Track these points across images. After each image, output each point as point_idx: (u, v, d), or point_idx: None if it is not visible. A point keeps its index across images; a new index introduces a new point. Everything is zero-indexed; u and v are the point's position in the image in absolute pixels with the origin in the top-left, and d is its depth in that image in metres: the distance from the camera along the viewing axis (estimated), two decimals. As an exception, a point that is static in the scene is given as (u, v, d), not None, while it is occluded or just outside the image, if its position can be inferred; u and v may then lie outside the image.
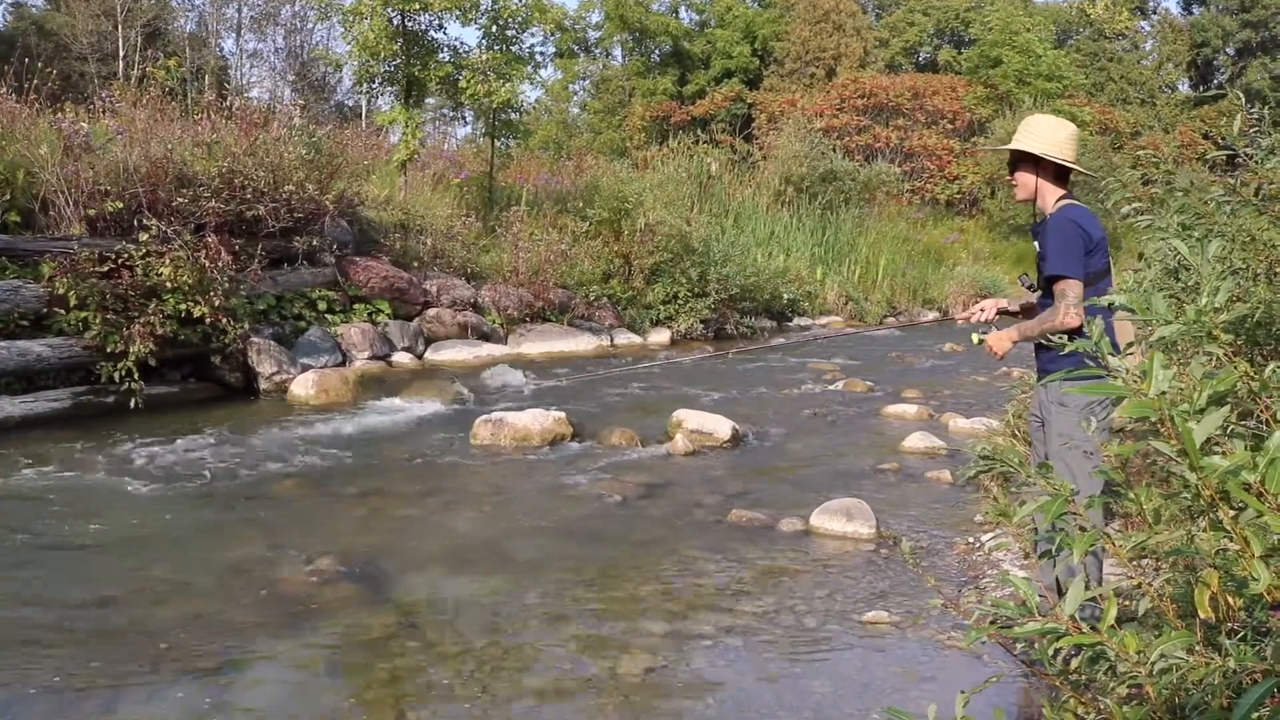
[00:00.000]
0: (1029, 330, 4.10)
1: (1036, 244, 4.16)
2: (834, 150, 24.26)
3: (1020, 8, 35.67)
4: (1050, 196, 4.12)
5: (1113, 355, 1.86)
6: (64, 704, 3.54)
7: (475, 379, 10.30)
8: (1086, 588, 1.86)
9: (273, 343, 9.80)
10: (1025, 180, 4.17)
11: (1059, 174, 4.11)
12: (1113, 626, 1.77)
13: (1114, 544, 2.04)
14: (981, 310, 4.58)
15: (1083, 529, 2.06)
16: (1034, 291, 4.31)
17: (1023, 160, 4.15)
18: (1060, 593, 2.35)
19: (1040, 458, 4.12)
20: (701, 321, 15.16)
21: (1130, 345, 3.31)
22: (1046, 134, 4.11)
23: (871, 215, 23.39)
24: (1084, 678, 2.01)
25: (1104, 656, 1.83)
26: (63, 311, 8.26)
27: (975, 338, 4.42)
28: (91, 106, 11.49)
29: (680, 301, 15.16)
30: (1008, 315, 4.58)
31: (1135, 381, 1.78)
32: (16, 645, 4.00)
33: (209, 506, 6.06)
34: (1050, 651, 1.93)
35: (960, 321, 4.75)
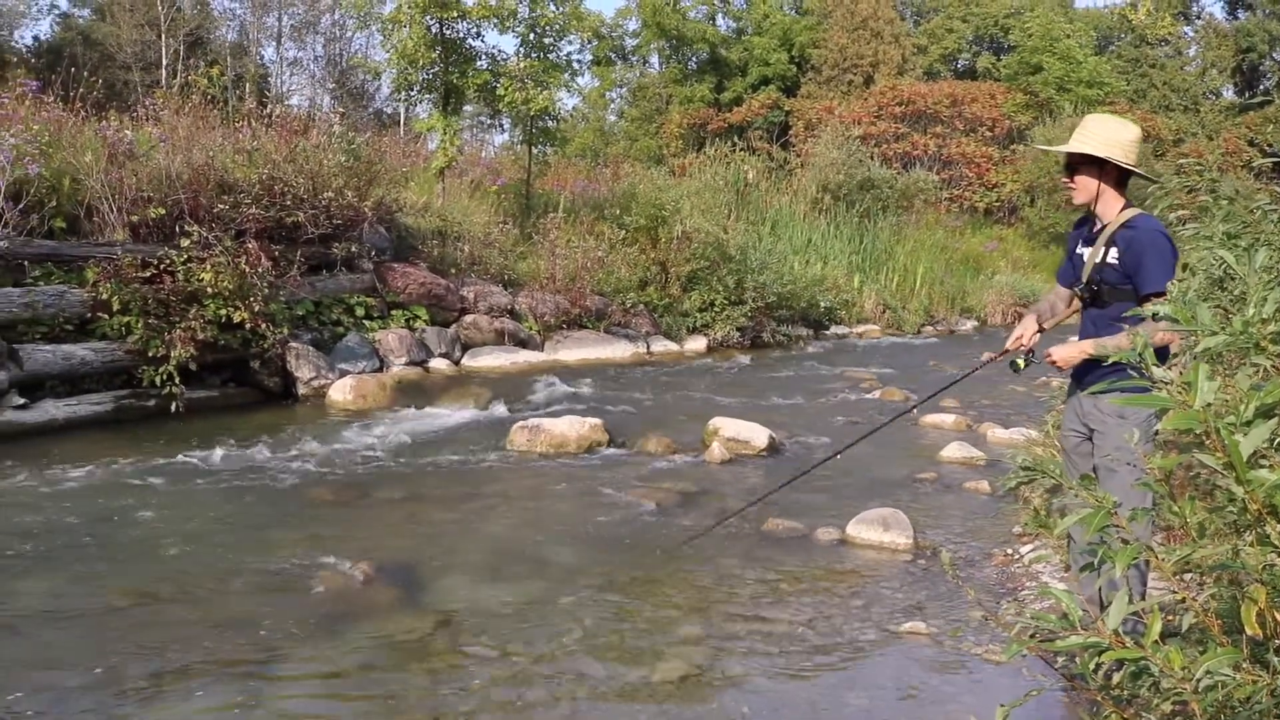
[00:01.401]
0: (1111, 345, 3.77)
1: (1087, 251, 4.01)
2: (871, 158, 24.14)
3: (1061, 14, 35.41)
4: (1113, 203, 3.94)
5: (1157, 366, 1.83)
6: (105, 701, 3.57)
7: (512, 385, 10.32)
8: (1130, 601, 1.83)
9: (311, 348, 9.87)
10: (1086, 184, 3.96)
11: (1121, 179, 3.93)
12: (1157, 642, 1.74)
13: (1158, 558, 2.01)
14: (1019, 338, 4.36)
15: (1125, 542, 2.03)
16: (1080, 299, 4.10)
17: (1084, 163, 3.94)
18: (1102, 606, 2.32)
19: (1078, 471, 4.01)
20: (738, 329, 15.12)
21: (1175, 357, 3.25)
22: (1110, 135, 3.90)
23: (909, 223, 23.25)
24: (1126, 693, 1.98)
25: (1147, 672, 1.81)
26: (106, 316, 8.36)
27: (1020, 363, 4.30)
28: (135, 114, 11.63)
29: (717, 309, 15.13)
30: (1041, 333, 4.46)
31: (1180, 394, 1.76)
32: (59, 644, 4.05)
33: (248, 509, 6.10)
34: (1091, 666, 1.90)
35: (998, 359, 4.54)
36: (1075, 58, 31.47)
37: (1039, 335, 4.34)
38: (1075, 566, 3.89)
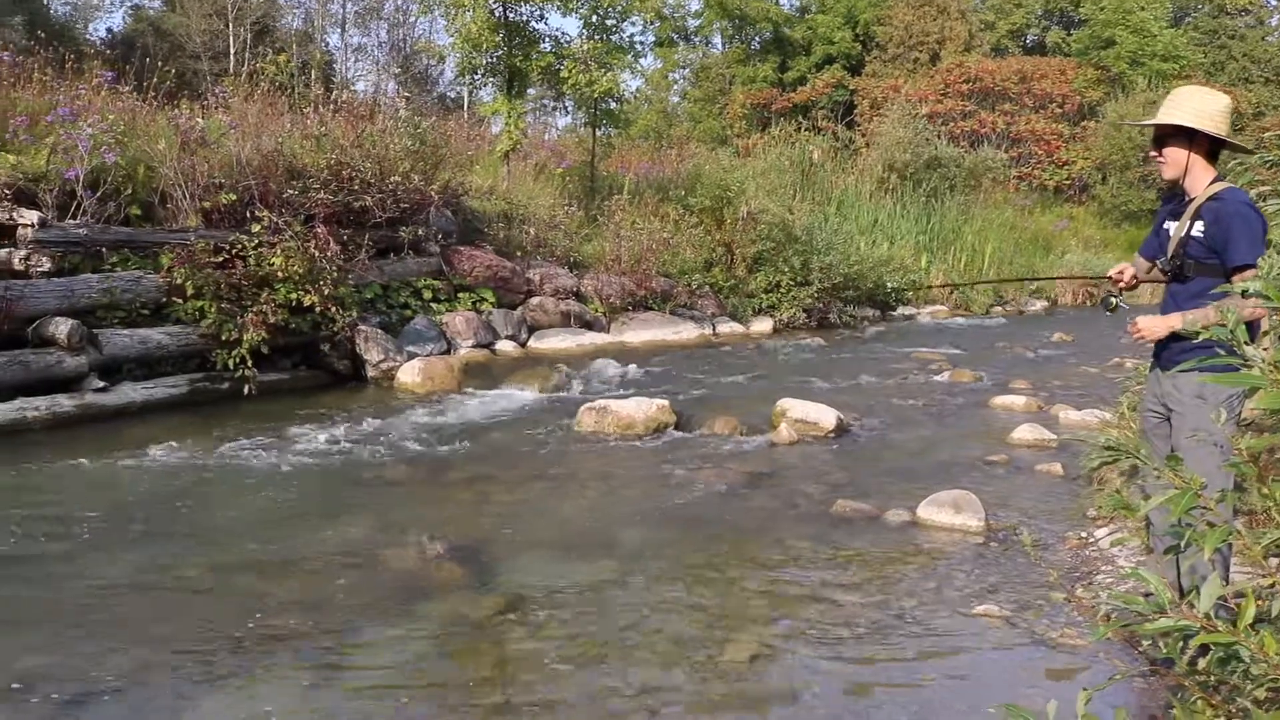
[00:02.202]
0: (1200, 319, 3.80)
1: (1173, 225, 3.92)
2: (938, 136, 23.82)
3: (1134, -15, 34.57)
4: (1202, 176, 3.84)
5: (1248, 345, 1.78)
6: (185, 673, 3.65)
7: (578, 367, 10.35)
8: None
9: (379, 331, 9.98)
10: (1176, 157, 3.86)
11: (1211, 151, 3.83)
12: (1250, 626, 1.70)
13: (1245, 541, 1.96)
14: (1122, 271, 4.20)
15: (1211, 524, 1.99)
16: (1164, 276, 4.00)
17: (1173, 135, 3.85)
18: (1181, 590, 2.27)
19: (1156, 453, 3.92)
20: (804, 310, 15.03)
21: (1265, 334, 3.16)
22: (1200, 106, 3.80)
23: (977, 202, 22.92)
24: (1214, 679, 1.94)
25: (1237, 658, 1.76)
26: (180, 301, 8.51)
27: (1114, 302, 4.15)
28: (206, 102, 11.82)
29: (783, 290, 15.04)
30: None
31: (1272, 372, 1.71)
32: (141, 617, 4.14)
33: (320, 489, 6.20)
34: (1178, 650, 1.87)
35: (1106, 283, 4.29)
36: (1150, 30, 30.72)
37: (1135, 284, 4.23)
38: (1158, 550, 3.81)
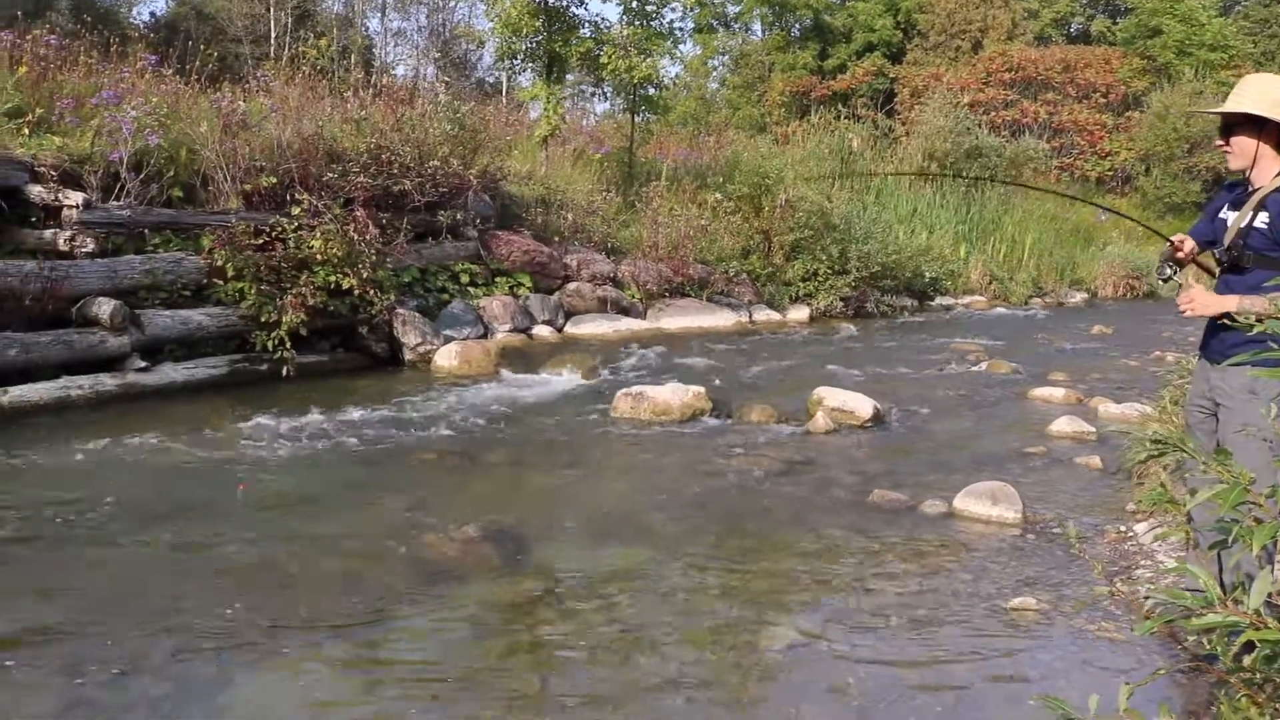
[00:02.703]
0: (1256, 307, 3.55)
1: (1232, 215, 3.83)
2: (979, 125, 23.61)
3: (1182, -26, 34.09)
4: (1270, 166, 3.74)
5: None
6: (224, 652, 3.68)
7: (614, 352, 10.36)
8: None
9: (417, 314, 10.02)
10: (1244, 146, 3.76)
11: None
12: (1301, 623, 1.67)
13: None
14: (1183, 241, 4.01)
15: (1258, 520, 1.96)
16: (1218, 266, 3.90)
17: (1241, 124, 3.75)
18: (1224, 586, 2.24)
19: (1203, 449, 3.85)
20: (841, 299, 14.97)
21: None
22: (1270, 94, 3.69)
23: (1018, 192, 22.72)
24: (1259, 676, 1.91)
25: (1286, 654, 1.74)
26: (221, 282, 8.59)
27: (1167, 271, 3.96)
28: (247, 86, 11.90)
29: (820, 279, 14.98)
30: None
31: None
32: (179, 596, 4.18)
33: (356, 471, 6.24)
34: (1224, 646, 1.84)
35: (1165, 254, 4.08)
36: (1198, 19, 30.27)
37: (1192, 259, 4.04)
38: (1203, 545, 3.77)
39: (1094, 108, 29.79)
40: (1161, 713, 1.93)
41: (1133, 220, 4.74)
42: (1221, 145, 3.88)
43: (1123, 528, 5.57)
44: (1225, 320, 3.62)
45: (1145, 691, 3.44)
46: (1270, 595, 2.16)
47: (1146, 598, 4.27)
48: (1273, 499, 2.04)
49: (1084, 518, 5.78)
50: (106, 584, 4.31)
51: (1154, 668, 3.79)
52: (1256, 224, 3.71)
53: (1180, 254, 3.98)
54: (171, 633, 3.84)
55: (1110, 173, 29.02)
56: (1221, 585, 1.92)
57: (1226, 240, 3.83)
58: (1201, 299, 3.75)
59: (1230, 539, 1.96)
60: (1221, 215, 3.93)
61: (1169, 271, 3.97)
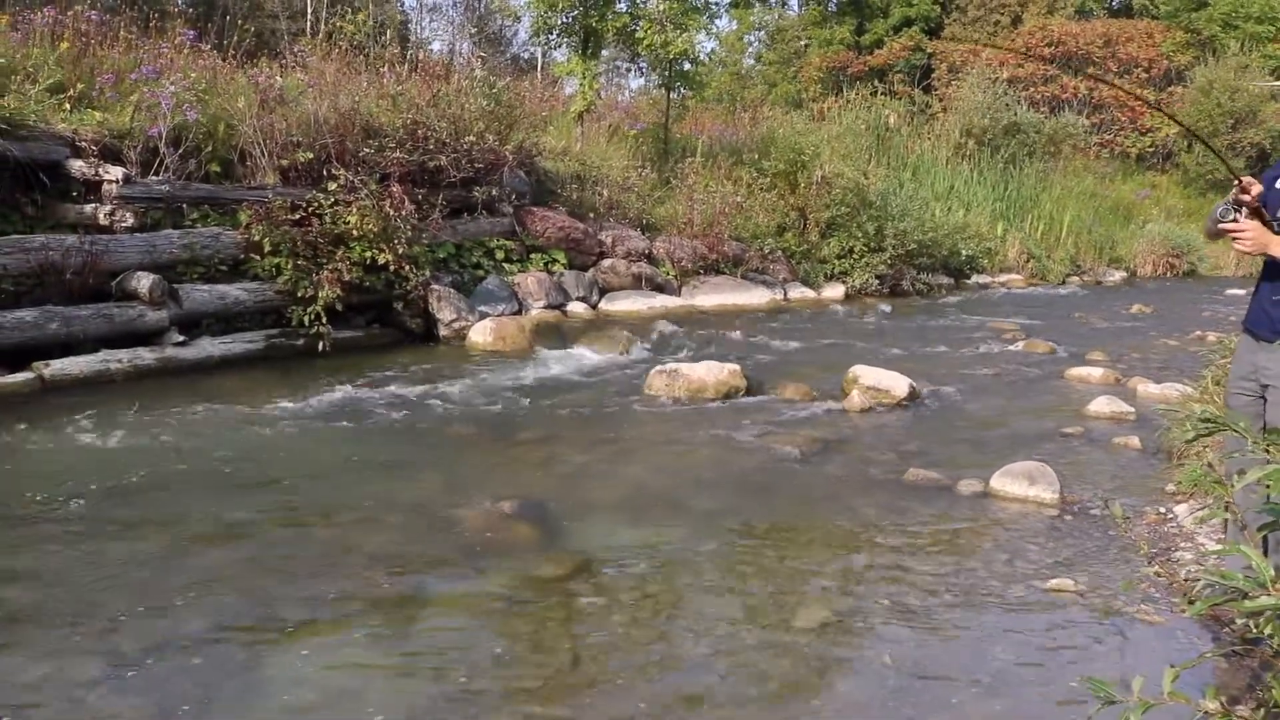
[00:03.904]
0: None
1: None
2: (1018, 101, 23.34)
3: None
4: None
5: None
6: (262, 624, 3.72)
7: (648, 330, 10.34)
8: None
9: (452, 290, 10.04)
10: None
11: None
12: (1352, 608, 1.65)
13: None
14: (1251, 183, 3.76)
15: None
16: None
17: None
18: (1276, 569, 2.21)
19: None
20: (877, 277, 14.88)
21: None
22: None
23: (1056, 169, 22.47)
24: (1307, 660, 1.89)
25: (1335, 639, 1.71)
26: (257, 257, 8.64)
27: (1232, 214, 3.71)
28: (284, 61, 11.94)
29: (856, 256, 14.90)
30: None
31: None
32: (219, 568, 4.22)
33: (392, 446, 6.27)
34: (1268, 630, 1.82)
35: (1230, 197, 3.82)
36: (1245, -10, 29.71)
37: (1256, 207, 3.79)
38: (1251, 526, 3.72)
39: (1136, 83, 29.34)
40: (1209, 695, 1.91)
41: (1213, 150, 4.46)
42: None
43: (1162, 509, 5.52)
44: (1271, 300, 3.54)
45: (1187, 675, 3.41)
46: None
47: (1191, 580, 4.22)
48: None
49: (1123, 499, 5.73)
50: (141, 559, 4.34)
51: (1194, 650, 3.75)
52: None
53: (1247, 197, 3.76)
54: (204, 608, 3.88)
55: (1151, 149, 28.62)
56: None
57: None
58: (1260, 234, 3.61)
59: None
60: (1278, 186, 3.82)
61: (1232, 213, 3.74)
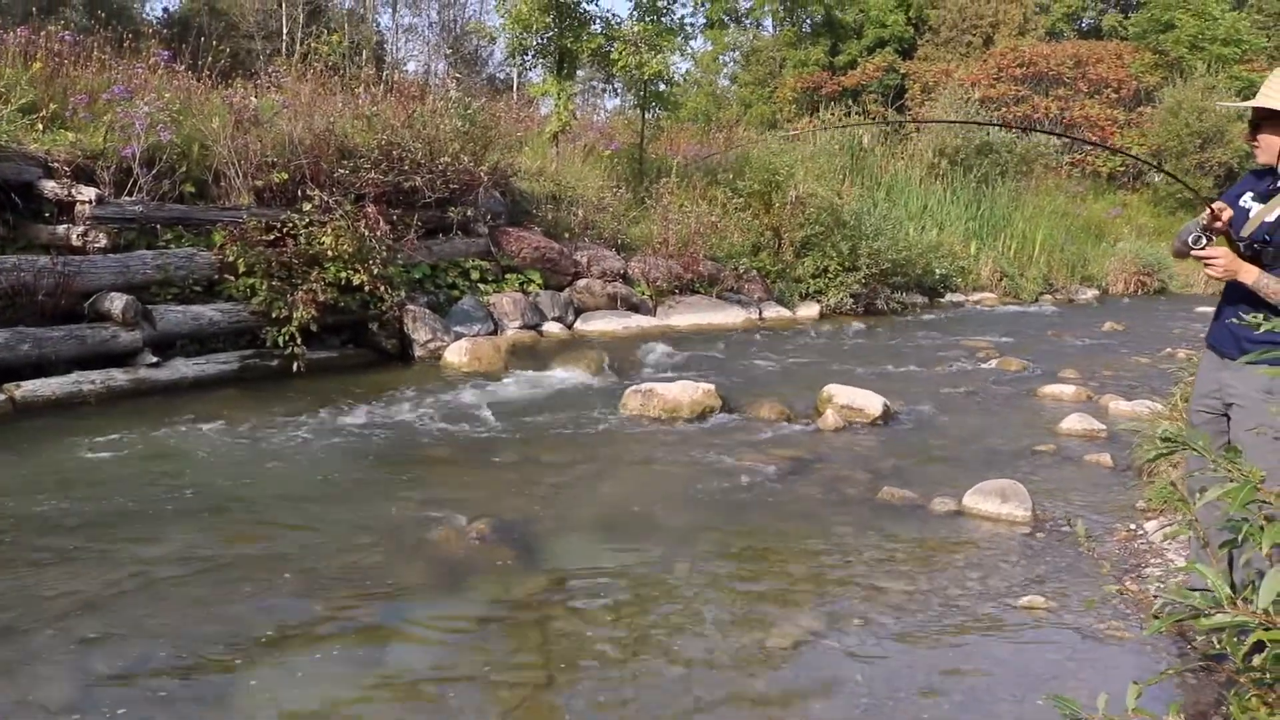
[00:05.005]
0: (1268, 288, 3.55)
1: (1257, 206, 3.74)
2: (990, 121, 23.54)
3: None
4: None
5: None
6: (234, 647, 3.70)
7: (624, 349, 10.36)
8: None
9: (427, 311, 10.03)
10: (1270, 143, 3.69)
11: None
12: (1310, 624, 1.67)
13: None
14: (1223, 209, 3.82)
15: (1269, 518, 1.96)
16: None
17: (1268, 119, 3.69)
18: (1232, 586, 2.24)
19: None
20: (852, 296, 14.93)
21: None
22: None
23: (1029, 188, 22.66)
24: (1269, 676, 1.91)
25: (1294, 654, 1.74)
26: (232, 278, 8.61)
27: (1203, 240, 3.74)
28: (259, 82, 11.93)
29: (830, 275, 14.95)
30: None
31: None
32: (191, 592, 4.20)
33: (367, 466, 6.25)
34: (1232, 646, 1.84)
35: (1201, 221, 3.88)
36: (1211, 13, 30.07)
37: (1225, 231, 3.85)
38: (1214, 543, 3.76)
39: (1105, 103, 29.67)
40: (1171, 712, 1.93)
41: (1174, 177, 4.59)
42: (1250, 141, 3.80)
43: (1133, 526, 5.57)
44: (1235, 318, 3.57)
45: (1154, 691, 3.44)
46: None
47: (1155, 597, 4.26)
48: (1283, 498, 2.04)
49: (1094, 516, 5.78)
50: (112, 581, 4.32)
51: (1164, 666, 3.79)
52: None
53: (1218, 223, 3.82)
54: (178, 630, 3.86)
55: (1121, 168, 28.91)
56: (1232, 584, 1.92)
57: (1247, 231, 3.74)
58: (1230, 261, 3.64)
59: (1240, 538, 1.96)
60: (1244, 204, 3.84)
61: (1203, 240, 3.78)
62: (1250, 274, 3.60)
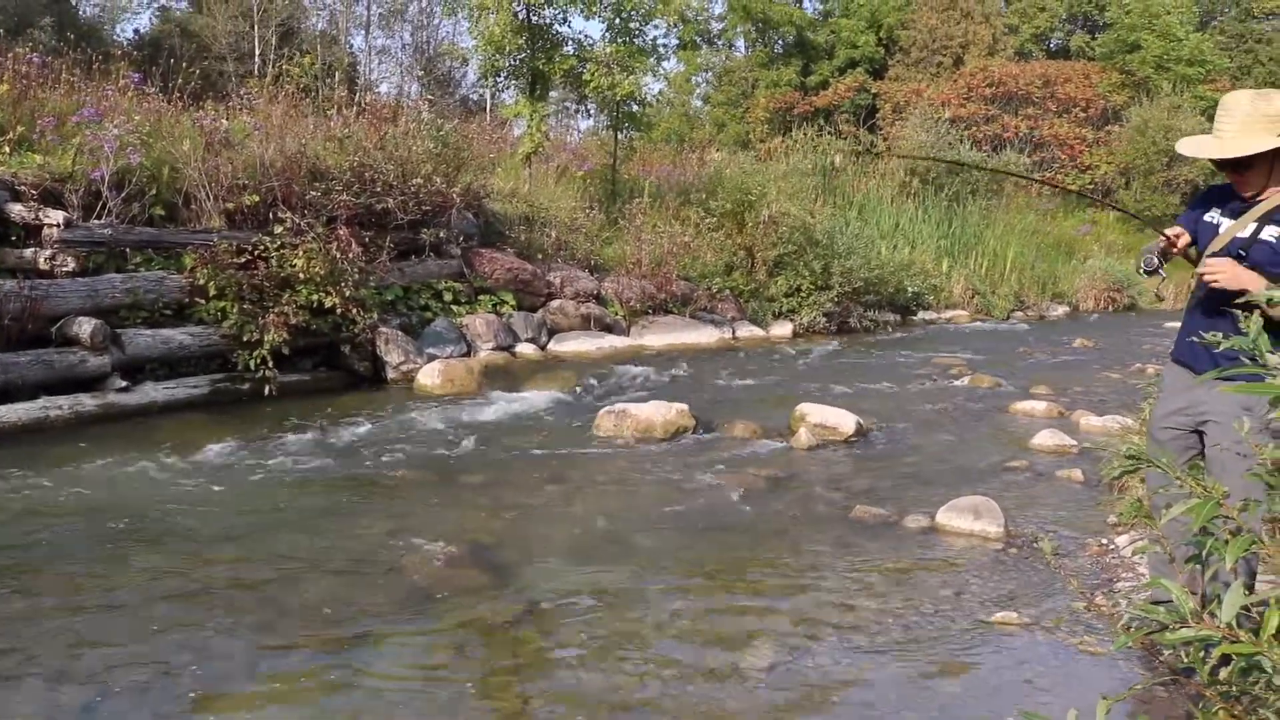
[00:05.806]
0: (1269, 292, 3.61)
1: (1227, 221, 3.71)
2: (961, 140, 23.74)
3: (1161, -11, 34.31)
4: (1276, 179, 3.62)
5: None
6: (203, 676, 3.66)
7: (597, 370, 10.35)
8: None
9: (400, 333, 10.00)
10: (1254, 179, 3.65)
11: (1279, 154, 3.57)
12: (1273, 637, 1.68)
13: (1270, 549, 1.95)
14: (1179, 235, 3.82)
15: (1234, 533, 1.97)
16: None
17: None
18: (1202, 600, 2.25)
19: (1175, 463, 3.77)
20: (824, 314, 14.98)
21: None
22: (1267, 111, 3.54)
23: (999, 207, 22.83)
24: (1235, 689, 1.92)
25: (1259, 668, 1.75)
26: (203, 301, 8.56)
27: (1155, 263, 3.77)
28: (230, 104, 11.88)
29: (803, 294, 15.00)
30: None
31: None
32: (159, 619, 4.16)
33: (339, 491, 6.21)
34: (1199, 660, 1.85)
35: (1155, 247, 3.91)
36: (1175, 35, 30.46)
37: (1180, 252, 3.85)
38: (1179, 559, 3.78)
39: (1074, 122, 29.97)
40: (1138, 727, 1.94)
41: (1132, 214, 4.65)
42: (1235, 178, 3.72)
43: (1104, 541, 5.59)
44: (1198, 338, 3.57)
45: (1123, 706, 3.46)
46: (1248, 608, 2.16)
47: (1124, 613, 4.28)
48: (1248, 513, 2.05)
49: (1066, 531, 5.80)
50: (80, 610, 4.27)
51: (1136, 680, 3.80)
52: (1264, 237, 3.59)
53: (1174, 250, 3.84)
54: (148, 657, 3.82)
55: (1091, 186, 29.18)
56: (1202, 598, 1.93)
57: (1215, 247, 3.71)
58: (1234, 271, 3.56)
59: (1204, 553, 1.97)
60: (1210, 219, 3.81)
61: (1156, 264, 3.81)
62: (1257, 282, 3.49)
